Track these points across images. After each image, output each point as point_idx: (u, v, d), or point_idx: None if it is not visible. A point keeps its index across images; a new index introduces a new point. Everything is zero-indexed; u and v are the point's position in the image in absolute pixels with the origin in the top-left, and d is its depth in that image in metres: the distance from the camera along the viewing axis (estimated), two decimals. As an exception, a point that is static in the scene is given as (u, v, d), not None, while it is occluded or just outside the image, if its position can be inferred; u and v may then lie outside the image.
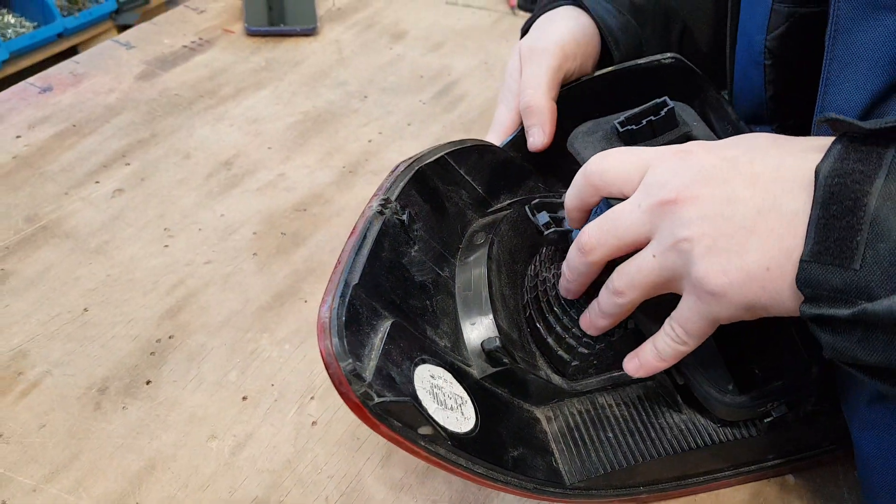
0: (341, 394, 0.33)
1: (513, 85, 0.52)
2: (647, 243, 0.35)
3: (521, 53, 0.52)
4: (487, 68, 0.86)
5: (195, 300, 0.56)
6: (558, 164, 0.51)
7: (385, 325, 0.36)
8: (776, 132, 0.50)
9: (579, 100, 0.52)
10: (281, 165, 0.70)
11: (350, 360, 0.33)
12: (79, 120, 0.74)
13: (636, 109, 0.42)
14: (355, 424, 0.48)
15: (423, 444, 0.35)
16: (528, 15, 0.92)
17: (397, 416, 0.34)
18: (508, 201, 0.50)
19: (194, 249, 0.60)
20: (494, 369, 0.40)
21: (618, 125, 0.42)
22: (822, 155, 0.30)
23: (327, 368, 0.33)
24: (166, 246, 0.60)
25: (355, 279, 0.36)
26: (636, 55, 0.53)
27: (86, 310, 0.55)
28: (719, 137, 0.41)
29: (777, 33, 0.45)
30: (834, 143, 0.30)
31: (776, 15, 0.45)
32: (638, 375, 0.39)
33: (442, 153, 0.46)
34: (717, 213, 0.32)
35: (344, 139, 0.74)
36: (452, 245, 0.46)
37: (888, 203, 0.27)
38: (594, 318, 0.39)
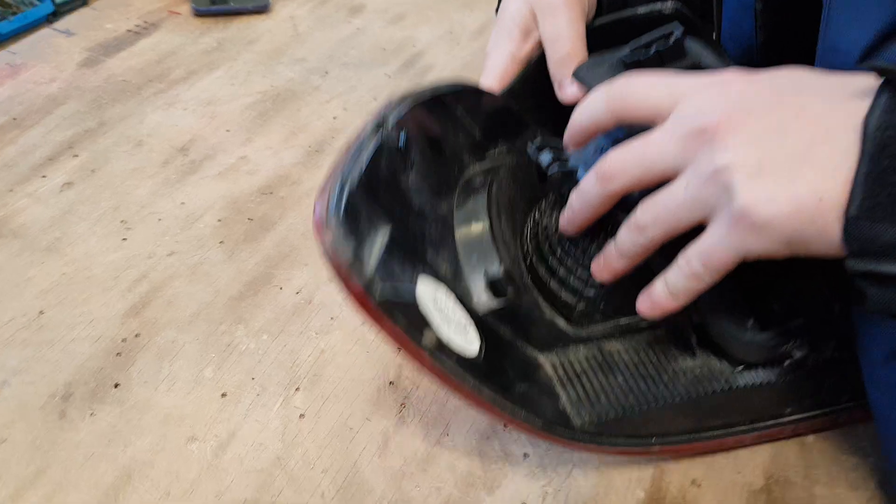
0: (342, 284, 0.31)
1: (513, 30, 0.49)
2: (678, 175, 0.32)
3: (539, 6, 0.48)
4: (453, 37, 0.83)
5: (161, 294, 0.52)
6: (558, 120, 0.48)
7: (385, 230, 0.33)
8: None
9: None
10: (242, 148, 0.66)
11: (351, 247, 0.31)
12: (19, 113, 0.68)
13: (643, 38, 0.40)
14: (347, 413, 0.45)
15: (428, 350, 0.32)
16: (488, -19, 0.89)
17: (402, 313, 0.31)
18: (506, 147, 0.48)
19: (155, 241, 0.56)
20: (497, 304, 0.38)
21: (624, 58, 0.40)
22: (869, 102, 0.28)
23: (326, 257, 0.31)
24: (124, 239, 0.56)
25: (354, 179, 0.33)
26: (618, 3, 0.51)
27: (42, 312, 0.50)
28: None
29: None
30: (880, 91, 0.28)
31: None
32: (652, 316, 0.36)
33: (438, 90, 0.43)
34: (765, 139, 0.29)
35: (307, 117, 0.70)
36: (449, 184, 0.43)
37: None
38: (610, 261, 0.36)
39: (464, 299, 0.37)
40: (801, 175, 0.28)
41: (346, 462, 0.42)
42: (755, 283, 0.38)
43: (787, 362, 0.39)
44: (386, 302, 0.31)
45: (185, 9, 0.87)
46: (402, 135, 0.38)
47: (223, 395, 0.46)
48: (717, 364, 0.40)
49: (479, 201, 0.42)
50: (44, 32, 0.81)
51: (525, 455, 0.43)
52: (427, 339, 0.32)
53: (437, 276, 0.36)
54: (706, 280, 0.33)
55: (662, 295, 0.35)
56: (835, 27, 0.36)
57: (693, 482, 0.41)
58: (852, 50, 0.34)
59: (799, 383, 0.40)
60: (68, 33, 0.81)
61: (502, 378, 0.36)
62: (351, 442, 0.43)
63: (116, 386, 0.46)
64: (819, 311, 0.37)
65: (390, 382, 0.46)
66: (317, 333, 0.50)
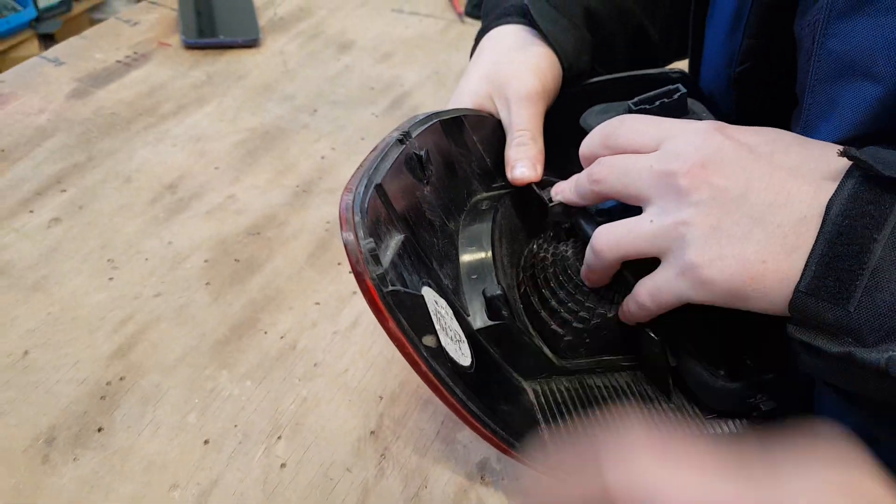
0: (357, 275, 0.33)
1: (468, 105, 0.51)
2: (647, 205, 0.34)
3: (501, 92, 0.50)
4: (439, 78, 0.84)
5: (146, 337, 0.53)
6: (566, 162, 0.51)
7: (399, 234, 0.36)
8: None
9: (586, 100, 0.51)
10: (230, 187, 0.67)
11: (371, 241, 0.33)
12: (7, 144, 0.69)
13: (650, 93, 0.42)
14: (328, 463, 0.45)
15: (425, 354, 0.34)
16: (476, 23, 0.91)
17: (407, 314, 0.33)
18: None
19: (142, 281, 0.57)
20: (492, 322, 0.40)
21: (631, 104, 0.43)
22: (838, 180, 0.30)
23: (346, 248, 0.33)
24: (111, 279, 0.57)
25: (378, 179, 0.36)
26: (585, 73, 0.53)
27: (26, 353, 0.50)
28: None
29: (745, 67, 0.46)
30: (848, 175, 0.29)
31: (745, 50, 0.45)
32: (624, 321, 0.40)
33: (460, 114, 0.46)
34: (728, 198, 0.31)
35: (295, 157, 0.71)
36: (458, 204, 0.46)
37: (892, 254, 0.27)
38: (584, 271, 0.40)
39: (461, 314, 0.39)
40: (751, 237, 0.30)
41: (326, 513, 0.43)
42: (732, 337, 0.40)
43: (754, 414, 0.40)
44: (395, 299, 0.33)
45: (175, 40, 0.88)
46: (425, 151, 0.41)
47: (206, 441, 0.46)
48: (690, 409, 0.42)
49: (485, 226, 0.45)
50: (33, 61, 0.81)
51: (501, 508, 0.44)
52: (427, 343, 0.34)
53: (440, 287, 0.38)
54: (653, 311, 0.36)
55: (625, 311, 0.39)
56: (805, 133, 0.38)
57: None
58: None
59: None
60: (57, 62, 0.82)
61: (489, 395, 0.38)
62: (331, 493, 0.44)
63: (100, 430, 0.46)
64: (789, 368, 0.39)
65: (371, 432, 0.48)
66: (300, 380, 0.51)
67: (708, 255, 0.31)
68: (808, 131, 0.37)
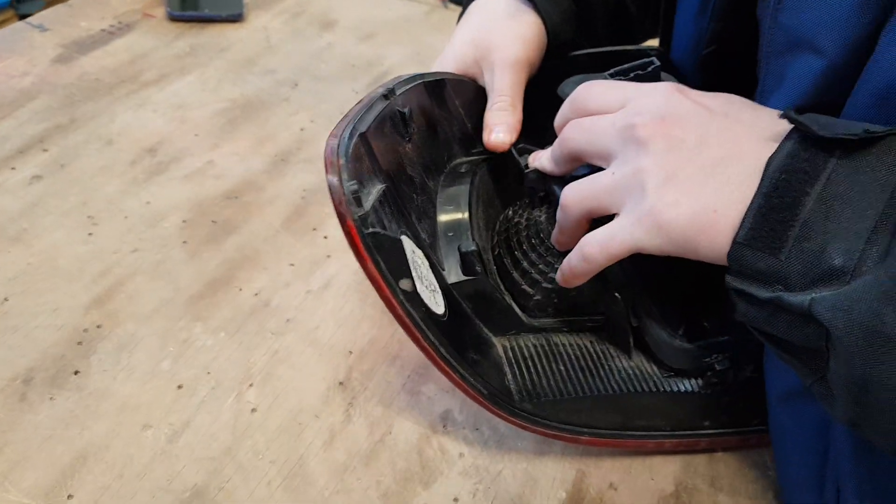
0: (339, 215, 0.34)
1: (452, 68, 0.53)
2: (611, 159, 0.37)
3: (487, 58, 0.52)
4: (421, 59, 0.87)
5: (123, 289, 0.54)
6: (543, 132, 0.53)
7: (381, 183, 0.37)
8: None
9: (565, 73, 0.54)
10: (209, 153, 0.69)
11: (354, 182, 0.34)
12: (-10, 103, 0.70)
13: (624, 66, 0.44)
14: (297, 410, 0.47)
15: (401, 297, 0.35)
16: (458, 9, 0.93)
17: (385, 256, 0.35)
18: None
19: (120, 238, 0.58)
20: (466, 277, 0.42)
21: (607, 76, 0.44)
22: (780, 139, 0.32)
23: (330, 189, 0.34)
24: (90, 234, 0.58)
25: (363, 127, 0.37)
26: (568, 44, 0.55)
27: (6, 299, 0.52)
28: None
29: (711, 50, 0.48)
30: (788, 136, 0.32)
31: (711, 33, 0.48)
32: (561, 284, 0.41)
33: (444, 76, 0.48)
34: (684, 149, 0.34)
35: (275, 127, 0.73)
36: (438, 165, 0.47)
37: (822, 207, 0.29)
38: (555, 235, 0.42)
39: (435, 268, 0.41)
40: (705, 187, 0.33)
41: (293, 455, 0.45)
42: (693, 302, 0.43)
43: (709, 374, 0.43)
44: (375, 240, 0.34)
45: (160, 12, 0.89)
46: (408, 108, 0.43)
47: (179, 386, 0.48)
48: (648, 367, 0.44)
49: (463, 188, 0.46)
50: (18, 26, 0.82)
51: (460, 455, 0.46)
52: (403, 286, 0.36)
53: (417, 239, 0.40)
54: (599, 264, 0.37)
55: (566, 269, 0.40)
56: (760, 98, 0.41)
57: (610, 486, 0.45)
58: None
59: (717, 398, 0.44)
60: (42, 28, 0.83)
61: (461, 342, 0.40)
62: (298, 437, 0.46)
63: (76, 373, 0.48)
64: (744, 332, 0.42)
65: (340, 383, 0.50)
66: (272, 334, 0.52)
67: (665, 199, 0.33)
68: (761, 102, 0.39)
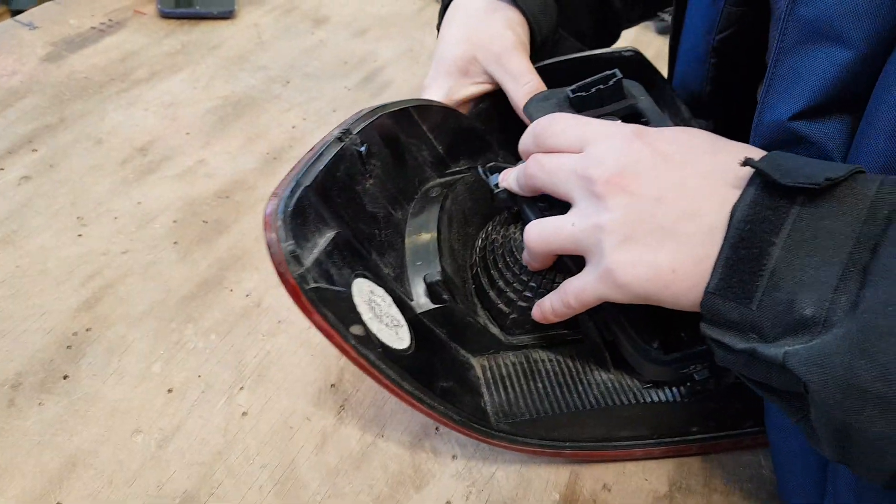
0: (280, 275, 0.34)
1: (452, 70, 0.53)
2: (573, 204, 0.37)
3: (488, 51, 0.53)
4: (413, 55, 0.86)
5: (113, 291, 0.54)
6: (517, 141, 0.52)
7: (330, 233, 0.37)
8: (712, 126, 0.52)
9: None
10: (200, 151, 0.68)
11: (292, 243, 0.34)
12: (-22, 103, 0.69)
13: (587, 80, 0.44)
14: (289, 412, 0.47)
15: (353, 342, 0.36)
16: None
17: (331, 307, 0.35)
18: (467, 166, 0.51)
19: (110, 238, 0.58)
20: (434, 305, 0.42)
21: (570, 92, 0.44)
22: (742, 188, 0.31)
23: (269, 249, 0.34)
24: (80, 235, 0.58)
25: (307, 181, 0.37)
26: (550, 37, 0.55)
27: (-7, 303, 0.51)
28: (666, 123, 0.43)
29: (725, 34, 0.47)
30: (750, 182, 0.31)
31: (727, 17, 0.47)
32: (541, 321, 0.41)
33: (407, 105, 0.47)
34: (641, 209, 0.33)
35: (266, 125, 0.72)
36: (408, 194, 0.47)
37: (788, 255, 0.29)
38: (524, 257, 0.43)
39: (404, 300, 0.41)
40: (663, 247, 0.32)
41: (285, 458, 0.45)
42: (667, 312, 0.42)
43: (689, 384, 0.43)
44: (318, 294, 0.35)
45: (151, 9, 0.88)
46: (365, 146, 0.42)
47: (169, 390, 0.48)
48: (627, 380, 0.44)
49: (432, 212, 0.46)
50: (6, 24, 0.81)
51: (454, 457, 0.46)
52: (355, 332, 0.36)
53: (378, 276, 0.40)
54: (576, 309, 0.38)
55: (547, 309, 0.41)
56: (772, 99, 0.40)
57: (604, 486, 0.45)
58: (782, 115, 0.38)
59: (703, 404, 0.44)
60: (31, 26, 0.82)
61: (427, 374, 0.40)
62: (290, 440, 0.46)
63: (66, 377, 0.48)
64: None
65: (332, 385, 0.49)
66: (264, 335, 0.52)
67: (622, 261, 0.33)
68: (772, 97, 0.38)
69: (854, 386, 0.27)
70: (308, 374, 0.50)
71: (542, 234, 0.38)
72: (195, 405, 0.47)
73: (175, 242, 0.58)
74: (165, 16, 0.87)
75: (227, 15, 0.88)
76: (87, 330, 0.51)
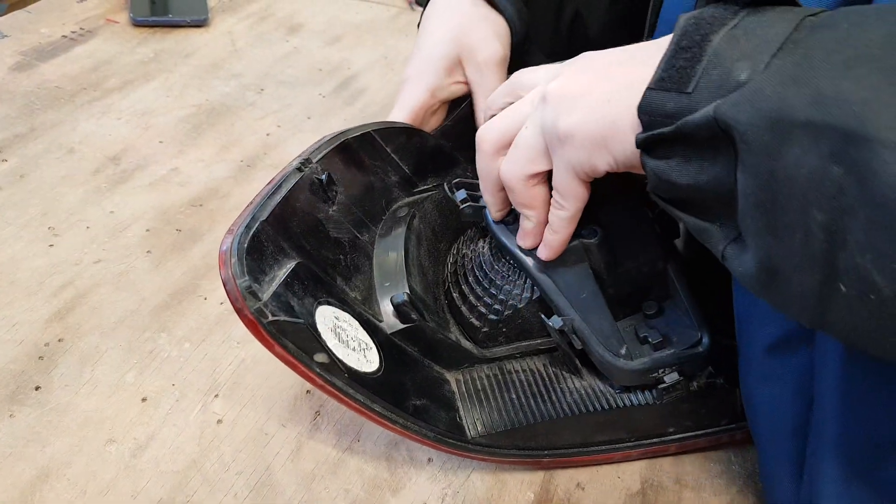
0: (237, 311, 0.35)
1: (438, 67, 0.54)
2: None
3: (472, 58, 0.54)
4: (388, 63, 0.86)
5: (85, 301, 0.53)
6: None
7: (290, 264, 0.38)
8: None
9: None
10: (174, 160, 0.68)
11: (247, 279, 0.35)
12: (-54, 113, 0.68)
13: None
14: (264, 419, 0.47)
15: (318, 370, 0.36)
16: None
17: (292, 338, 0.36)
18: (435, 183, 0.52)
19: (82, 248, 0.58)
20: (404, 325, 0.42)
21: None
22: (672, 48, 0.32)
23: (225, 286, 0.35)
24: (51, 245, 0.57)
25: (263, 216, 0.38)
26: (521, 42, 0.56)
27: (-37, 315, 0.51)
28: None
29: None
30: (697, 3, 0.32)
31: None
32: (544, 256, 0.40)
33: (369, 129, 0.48)
34: (575, 73, 0.35)
35: (240, 133, 0.72)
36: (375, 216, 0.48)
37: (731, 40, 0.29)
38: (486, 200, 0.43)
39: (373, 321, 0.41)
40: (596, 88, 0.34)
41: (260, 465, 0.45)
42: (633, 317, 0.44)
43: (660, 386, 0.43)
44: (277, 327, 0.35)
45: (123, 17, 0.88)
46: (326, 174, 0.43)
47: (143, 399, 0.48)
48: (601, 386, 0.44)
49: (399, 232, 0.46)
50: (-24, 33, 0.80)
51: (429, 460, 0.46)
52: (319, 359, 0.37)
53: (345, 301, 0.40)
54: (567, 207, 0.38)
55: (547, 233, 0.40)
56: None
57: (578, 485, 0.45)
58: None
59: (676, 406, 0.45)
60: (1, 35, 0.81)
61: (398, 393, 0.40)
62: (266, 447, 0.46)
63: (37, 388, 0.47)
64: (688, 343, 0.42)
65: (307, 391, 0.49)
66: (238, 343, 0.52)
67: (562, 108, 0.35)
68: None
69: (784, 120, 0.26)
70: (283, 381, 0.50)
71: (513, 154, 0.39)
72: (169, 414, 0.47)
73: (148, 251, 0.58)
74: (138, 24, 0.86)
75: (201, 23, 0.88)
76: (59, 340, 0.50)
